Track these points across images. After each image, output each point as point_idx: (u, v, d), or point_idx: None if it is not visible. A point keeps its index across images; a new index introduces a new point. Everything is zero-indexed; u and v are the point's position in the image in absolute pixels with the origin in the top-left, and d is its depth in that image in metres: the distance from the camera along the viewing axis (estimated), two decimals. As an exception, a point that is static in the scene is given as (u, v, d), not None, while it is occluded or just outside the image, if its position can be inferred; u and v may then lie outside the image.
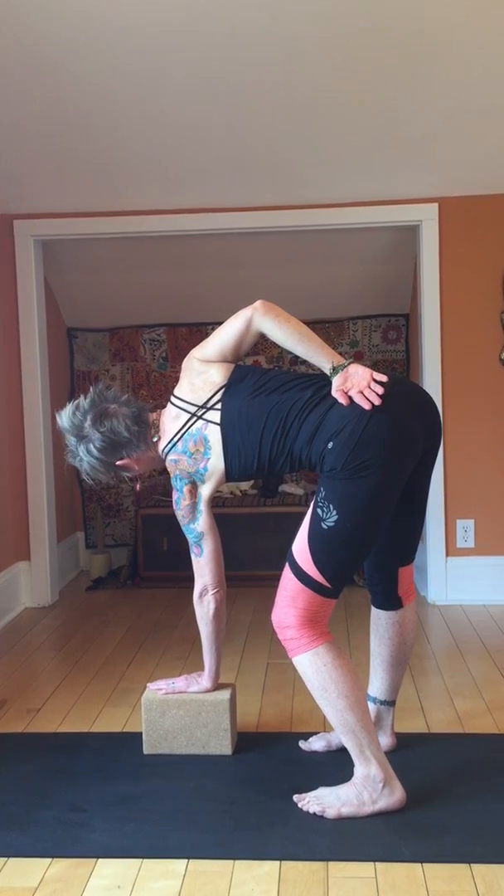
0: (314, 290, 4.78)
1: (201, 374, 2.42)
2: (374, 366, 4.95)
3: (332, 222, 4.20)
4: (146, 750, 2.66)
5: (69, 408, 2.50)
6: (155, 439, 2.50)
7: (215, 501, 4.59)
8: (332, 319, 5.01)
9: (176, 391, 2.48)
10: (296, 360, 4.90)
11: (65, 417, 2.50)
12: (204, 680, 2.66)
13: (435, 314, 4.20)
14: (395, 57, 3.26)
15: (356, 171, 3.96)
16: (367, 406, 2.20)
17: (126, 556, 4.91)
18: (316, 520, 2.26)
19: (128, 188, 4.09)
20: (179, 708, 2.64)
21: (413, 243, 4.38)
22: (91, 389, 2.52)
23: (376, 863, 2.07)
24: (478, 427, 4.22)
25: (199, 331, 4.95)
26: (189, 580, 2.60)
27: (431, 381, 4.19)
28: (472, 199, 4.13)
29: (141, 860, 2.11)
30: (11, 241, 4.28)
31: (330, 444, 2.22)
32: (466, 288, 4.18)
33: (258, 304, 2.34)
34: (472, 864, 2.05)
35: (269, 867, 2.07)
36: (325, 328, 5.01)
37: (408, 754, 2.58)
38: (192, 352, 2.47)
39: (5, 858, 2.14)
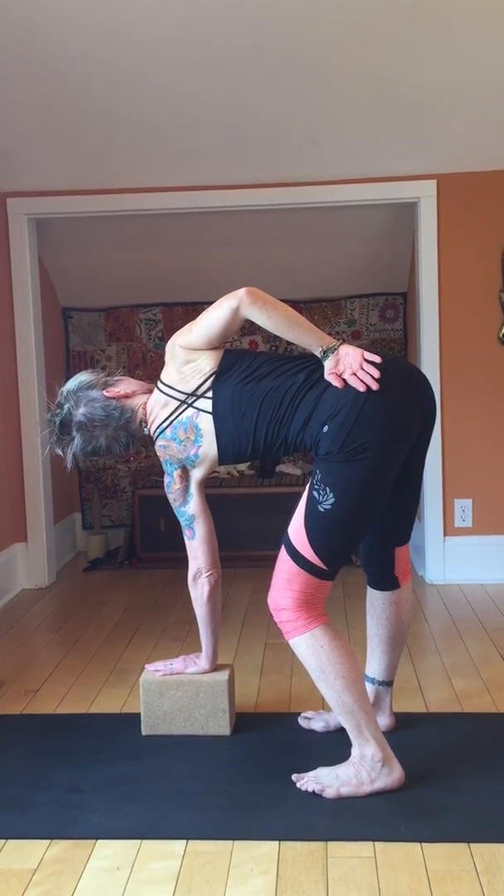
0: (311, 269, 4.75)
1: (189, 362, 2.37)
2: (372, 345, 4.92)
3: (329, 199, 4.15)
4: (144, 731, 2.67)
5: (56, 416, 2.45)
6: (145, 431, 2.48)
7: (212, 481, 4.62)
8: (329, 298, 4.98)
9: (163, 377, 2.43)
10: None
11: (54, 418, 2.46)
12: (202, 661, 2.66)
13: (433, 292, 4.16)
14: (394, 32, 3.22)
15: (354, 147, 3.91)
16: (361, 388, 2.18)
17: (123, 536, 4.91)
18: (312, 502, 2.25)
19: (123, 165, 4.04)
20: (178, 689, 2.64)
21: (411, 221, 4.34)
22: (74, 402, 2.44)
23: (375, 842, 2.07)
24: (476, 406, 4.20)
25: (195, 310, 4.88)
26: (187, 561, 2.58)
27: (429, 360, 4.16)
28: (470, 175, 4.09)
29: (140, 841, 2.11)
30: (5, 219, 4.23)
31: (325, 428, 2.20)
32: (465, 266, 4.14)
33: (243, 293, 2.25)
34: (470, 844, 2.05)
35: (268, 847, 2.07)
36: (322, 307, 4.97)
37: (406, 734, 2.58)
38: (175, 337, 2.39)
39: (4, 840, 2.14)
